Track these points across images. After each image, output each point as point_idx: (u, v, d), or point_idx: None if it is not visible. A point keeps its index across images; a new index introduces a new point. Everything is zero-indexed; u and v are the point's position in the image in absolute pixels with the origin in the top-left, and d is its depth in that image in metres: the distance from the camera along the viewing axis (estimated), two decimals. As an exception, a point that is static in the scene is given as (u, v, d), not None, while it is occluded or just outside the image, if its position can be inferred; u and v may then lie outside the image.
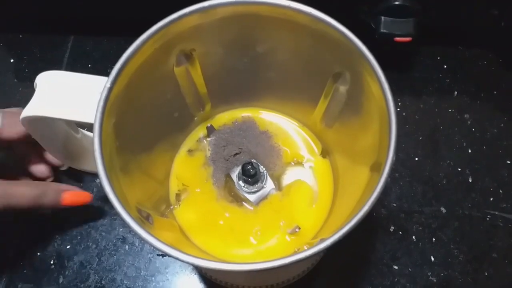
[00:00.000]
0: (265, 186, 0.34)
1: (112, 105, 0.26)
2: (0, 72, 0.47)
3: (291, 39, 0.30)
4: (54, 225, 0.39)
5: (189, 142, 0.36)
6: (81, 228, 0.39)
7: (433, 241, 0.39)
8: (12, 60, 0.47)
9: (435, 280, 0.37)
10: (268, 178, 0.34)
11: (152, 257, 0.38)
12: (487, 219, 0.39)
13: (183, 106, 0.34)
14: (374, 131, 0.28)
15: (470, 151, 0.42)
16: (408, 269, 0.38)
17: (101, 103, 0.25)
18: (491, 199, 0.40)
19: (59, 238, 0.39)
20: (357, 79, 0.29)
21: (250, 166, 0.33)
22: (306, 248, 0.24)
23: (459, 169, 0.41)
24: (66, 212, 0.40)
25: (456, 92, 0.45)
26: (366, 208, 0.24)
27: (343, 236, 0.24)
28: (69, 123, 0.32)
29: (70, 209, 0.37)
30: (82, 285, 0.37)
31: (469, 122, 0.43)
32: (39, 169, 0.37)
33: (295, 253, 0.23)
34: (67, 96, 0.27)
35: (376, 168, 0.27)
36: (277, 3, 0.28)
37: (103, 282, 0.38)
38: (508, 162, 0.42)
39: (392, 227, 0.39)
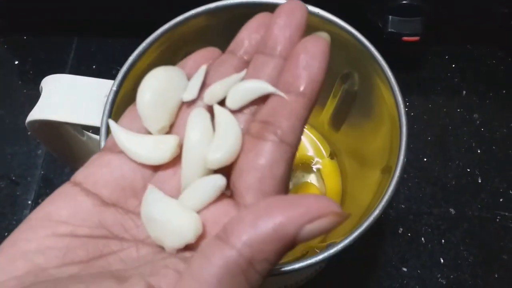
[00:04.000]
0: (272, 188, 0.34)
1: (118, 108, 0.26)
2: (4, 74, 0.46)
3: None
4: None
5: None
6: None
7: (442, 242, 0.38)
8: (16, 62, 0.47)
9: (444, 282, 0.37)
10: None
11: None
12: (497, 220, 0.39)
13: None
14: (383, 133, 0.28)
15: (479, 151, 0.42)
16: (417, 271, 0.37)
17: (108, 107, 0.25)
18: (501, 200, 0.40)
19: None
20: (366, 81, 0.28)
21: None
22: (317, 251, 0.24)
23: (468, 170, 0.41)
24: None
25: (464, 92, 0.44)
26: (376, 212, 0.24)
27: (353, 241, 0.23)
28: (74, 127, 0.32)
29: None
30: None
31: (478, 122, 0.43)
32: None
33: (306, 257, 0.23)
34: (73, 99, 0.27)
35: (386, 170, 0.27)
36: (284, 3, 0.27)
37: None
38: (518, 162, 0.41)
39: (401, 229, 0.39)
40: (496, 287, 0.37)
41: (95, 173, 0.18)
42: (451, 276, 0.37)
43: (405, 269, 0.37)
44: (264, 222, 0.15)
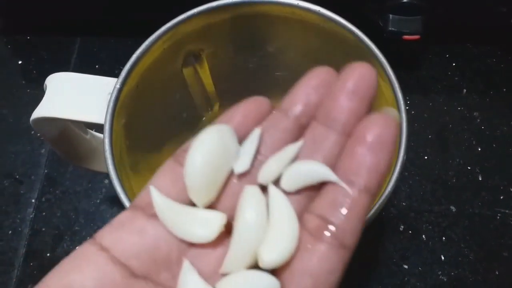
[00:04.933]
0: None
1: (122, 106, 0.26)
2: (8, 74, 0.47)
3: (300, 38, 0.30)
4: (63, 226, 0.40)
5: (198, 142, 0.36)
6: (90, 229, 0.40)
7: (443, 240, 0.38)
8: (20, 62, 0.47)
9: (445, 279, 0.37)
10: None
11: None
12: (498, 217, 0.39)
13: (191, 106, 0.34)
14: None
15: (479, 149, 0.42)
16: (418, 268, 0.38)
17: (111, 104, 0.25)
18: (502, 197, 0.40)
19: (68, 239, 0.39)
20: (367, 78, 0.29)
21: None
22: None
23: (469, 168, 0.41)
24: (75, 212, 0.40)
25: (465, 90, 0.44)
26: (376, 207, 0.24)
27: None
28: (78, 124, 0.32)
29: (79, 209, 0.37)
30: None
31: (478, 120, 0.43)
32: None
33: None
34: (77, 97, 0.27)
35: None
36: (285, 2, 0.28)
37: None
38: (518, 160, 0.41)
39: (402, 226, 0.39)
40: (496, 284, 0.37)
41: (126, 240, 0.16)
42: (452, 273, 0.37)
43: (406, 266, 0.38)
44: None
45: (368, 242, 0.38)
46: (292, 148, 0.17)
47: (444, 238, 0.39)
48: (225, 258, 0.17)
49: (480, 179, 0.41)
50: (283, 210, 0.17)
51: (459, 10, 0.42)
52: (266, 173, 0.17)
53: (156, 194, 0.17)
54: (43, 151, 0.43)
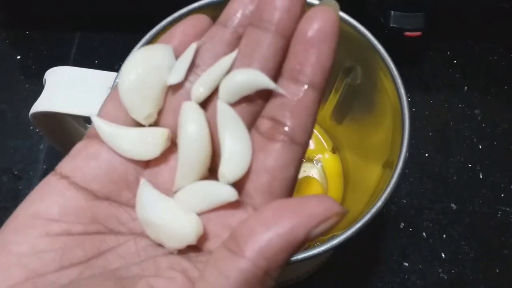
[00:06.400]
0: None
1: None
2: (7, 69, 0.46)
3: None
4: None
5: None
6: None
7: (444, 237, 0.38)
8: (18, 57, 0.47)
9: (445, 277, 0.37)
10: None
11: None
12: (498, 215, 0.39)
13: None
14: (386, 127, 0.28)
15: (480, 146, 0.42)
16: (418, 265, 0.38)
17: (111, 99, 0.25)
18: (502, 195, 0.40)
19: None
20: (369, 74, 0.28)
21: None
22: (317, 244, 0.24)
23: (470, 165, 0.41)
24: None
25: (466, 87, 0.44)
26: (379, 204, 0.24)
27: (356, 232, 0.24)
28: (77, 119, 0.32)
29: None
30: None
31: (479, 118, 0.43)
32: None
33: (306, 249, 0.23)
34: (76, 91, 0.27)
35: (387, 165, 0.27)
36: (287, -3, 0.27)
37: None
38: (519, 157, 0.41)
39: (402, 224, 0.39)
40: (497, 282, 0.37)
41: (83, 166, 0.17)
42: (452, 271, 0.37)
43: (406, 264, 0.38)
44: (277, 233, 0.14)
45: (368, 240, 0.38)
46: (225, 60, 0.17)
47: (444, 235, 0.38)
48: (176, 176, 0.17)
49: (481, 176, 0.40)
50: (231, 123, 0.17)
51: (461, 6, 0.42)
52: (198, 90, 0.17)
53: (97, 120, 0.18)
54: (42, 146, 0.43)
